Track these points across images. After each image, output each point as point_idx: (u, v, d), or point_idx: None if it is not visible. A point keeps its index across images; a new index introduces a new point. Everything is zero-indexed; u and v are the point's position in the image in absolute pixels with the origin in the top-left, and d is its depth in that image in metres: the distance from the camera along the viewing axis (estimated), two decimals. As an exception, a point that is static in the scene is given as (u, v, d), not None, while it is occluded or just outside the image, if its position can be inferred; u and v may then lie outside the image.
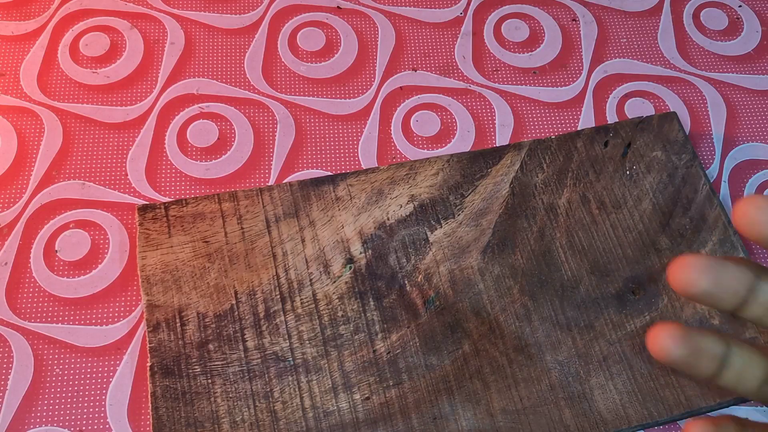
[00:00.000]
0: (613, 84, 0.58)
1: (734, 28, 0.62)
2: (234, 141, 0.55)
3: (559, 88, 0.58)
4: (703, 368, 0.28)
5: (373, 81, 0.58)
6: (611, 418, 0.45)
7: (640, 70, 0.59)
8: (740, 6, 0.62)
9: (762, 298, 0.27)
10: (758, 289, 0.27)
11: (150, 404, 0.44)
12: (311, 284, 0.48)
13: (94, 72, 0.57)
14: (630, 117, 0.57)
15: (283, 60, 0.58)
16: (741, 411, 0.47)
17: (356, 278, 0.49)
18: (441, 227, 0.51)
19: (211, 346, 0.46)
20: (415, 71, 0.58)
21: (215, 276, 0.48)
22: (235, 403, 0.45)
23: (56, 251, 0.50)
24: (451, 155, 0.53)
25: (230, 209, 0.51)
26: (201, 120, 0.55)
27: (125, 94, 0.56)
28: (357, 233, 0.50)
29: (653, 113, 0.57)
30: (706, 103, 0.58)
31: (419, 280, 0.49)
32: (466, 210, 0.51)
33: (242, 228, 0.50)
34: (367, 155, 0.55)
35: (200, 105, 0.56)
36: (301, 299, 0.48)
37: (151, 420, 0.44)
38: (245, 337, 0.46)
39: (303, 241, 0.50)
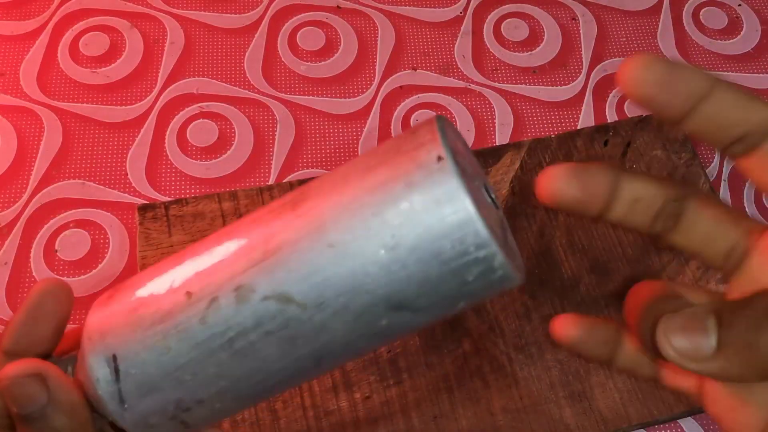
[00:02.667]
0: (613, 83, 0.58)
1: (734, 27, 0.62)
2: (234, 140, 0.55)
3: (559, 87, 0.58)
4: (595, 202, 0.28)
5: (373, 80, 0.58)
6: (611, 417, 0.45)
7: (639, 69, 0.59)
8: (740, 5, 0.62)
9: (624, 196, 0.28)
10: (620, 188, 0.28)
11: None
12: (311, 283, 0.48)
13: (93, 72, 0.57)
14: (630, 116, 0.57)
15: (283, 59, 0.58)
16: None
17: (356, 277, 0.49)
18: (441, 226, 0.51)
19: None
20: (415, 70, 0.58)
21: (215, 275, 0.48)
22: (236, 403, 0.45)
23: (56, 251, 0.50)
24: (451, 154, 0.53)
25: (230, 209, 0.51)
26: (201, 120, 0.55)
27: (125, 94, 0.56)
28: (357, 232, 0.50)
29: (653, 112, 0.57)
30: (706, 102, 0.58)
31: (419, 279, 0.49)
32: (466, 209, 0.51)
33: (242, 227, 0.50)
34: (367, 154, 0.55)
35: (200, 104, 0.56)
36: (301, 298, 0.48)
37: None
38: (245, 336, 0.47)
39: (303, 240, 0.50)
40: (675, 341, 0.24)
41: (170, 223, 0.50)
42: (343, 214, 0.25)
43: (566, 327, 0.30)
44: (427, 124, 0.25)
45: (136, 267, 0.49)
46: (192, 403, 0.27)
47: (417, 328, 0.26)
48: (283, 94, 0.57)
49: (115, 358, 0.27)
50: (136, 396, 0.26)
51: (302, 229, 0.25)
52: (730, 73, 0.59)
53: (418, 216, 0.24)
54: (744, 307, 0.24)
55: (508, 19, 0.61)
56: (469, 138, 0.55)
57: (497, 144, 0.55)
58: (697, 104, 0.26)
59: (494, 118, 0.56)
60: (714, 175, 0.55)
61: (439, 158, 0.24)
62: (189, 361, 0.26)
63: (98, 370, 0.27)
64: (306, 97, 0.57)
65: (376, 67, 0.58)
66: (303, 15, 0.60)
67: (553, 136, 0.54)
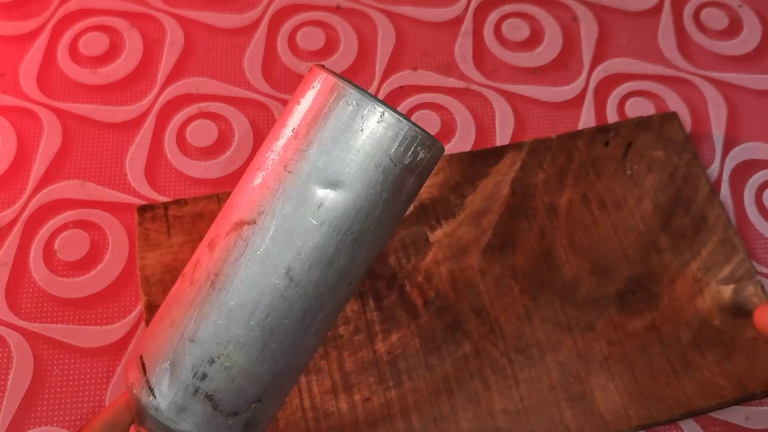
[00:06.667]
0: (614, 83, 0.58)
1: (734, 28, 0.61)
2: (234, 141, 0.55)
3: (560, 87, 0.58)
4: None
5: (373, 80, 0.58)
6: (612, 419, 0.45)
7: (640, 69, 0.59)
8: (740, 6, 0.62)
9: None
10: None
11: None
12: (311, 284, 0.48)
13: (93, 72, 0.57)
14: (630, 116, 0.56)
15: (282, 59, 0.58)
16: (741, 411, 0.46)
17: (356, 278, 0.49)
18: (441, 227, 0.51)
19: (211, 347, 0.46)
20: (416, 71, 0.58)
21: (215, 276, 0.48)
22: (235, 404, 0.45)
23: (55, 251, 0.50)
24: (452, 155, 0.53)
25: (230, 209, 0.51)
26: (200, 120, 0.55)
27: (125, 94, 0.56)
28: (357, 233, 0.50)
29: (654, 113, 0.57)
30: (707, 102, 0.58)
31: (419, 280, 0.49)
32: (466, 210, 0.51)
33: (242, 228, 0.50)
34: (367, 155, 0.54)
35: (199, 105, 0.56)
36: (301, 299, 0.48)
37: (150, 420, 0.44)
38: (245, 337, 0.46)
39: (303, 241, 0.50)
40: None
41: (169, 223, 0.50)
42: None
43: None
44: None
45: (135, 267, 0.49)
46: (205, 365, 0.31)
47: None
48: (282, 94, 0.57)
49: (141, 358, 0.33)
50: (161, 380, 0.32)
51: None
52: (730, 74, 0.59)
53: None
54: None
55: (509, 19, 0.61)
56: (470, 138, 0.55)
57: (498, 144, 0.55)
58: None
59: (495, 119, 0.56)
60: (715, 176, 0.55)
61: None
62: (190, 319, 0.32)
63: (131, 376, 0.33)
64: (306, 97, 0.57)
65: (376, 67, 0.58)
66: (303, 15, 0.60)
67: (553, 136, 0.54)
